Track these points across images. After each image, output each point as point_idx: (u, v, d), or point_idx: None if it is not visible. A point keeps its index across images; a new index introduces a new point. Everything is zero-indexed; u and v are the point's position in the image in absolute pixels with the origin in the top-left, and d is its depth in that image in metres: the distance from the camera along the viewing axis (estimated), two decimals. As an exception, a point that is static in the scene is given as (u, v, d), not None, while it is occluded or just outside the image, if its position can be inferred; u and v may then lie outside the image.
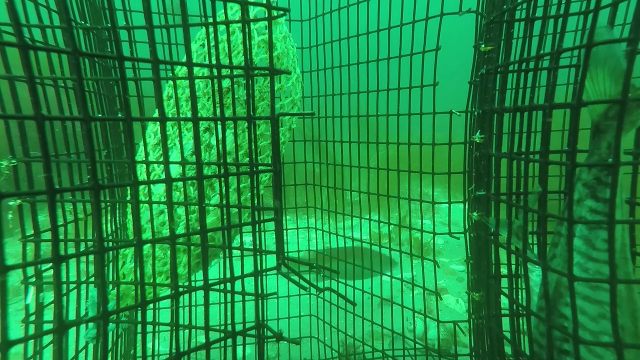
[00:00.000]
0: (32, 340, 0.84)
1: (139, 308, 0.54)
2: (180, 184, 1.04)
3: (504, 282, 0.73)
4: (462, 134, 1.16)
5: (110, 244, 1.07)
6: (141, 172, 1.09)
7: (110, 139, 1.11)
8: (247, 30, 0.64)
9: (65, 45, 0.55)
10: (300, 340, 1.66)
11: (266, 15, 0.64)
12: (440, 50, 1.15)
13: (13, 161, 0.76)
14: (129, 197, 1.11)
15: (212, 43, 0.69)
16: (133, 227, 0.68)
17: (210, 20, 0.70)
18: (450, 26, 1.36)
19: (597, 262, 0.62)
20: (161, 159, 1.03)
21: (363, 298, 1.54)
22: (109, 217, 1.10)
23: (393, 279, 1.45)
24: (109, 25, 0.94)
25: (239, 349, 1.55)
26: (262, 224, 0.75)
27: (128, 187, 1.05)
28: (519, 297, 0.73)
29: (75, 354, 0.87)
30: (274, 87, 0.69)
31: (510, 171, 0.68)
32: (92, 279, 0.96)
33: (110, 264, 1.08)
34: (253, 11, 1.08)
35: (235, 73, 0.87)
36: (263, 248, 0.92)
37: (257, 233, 0.74)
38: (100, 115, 1.06)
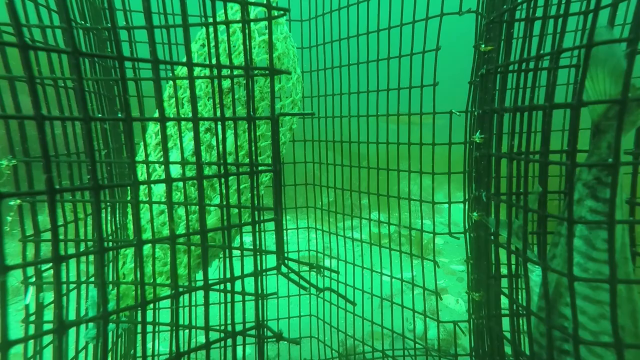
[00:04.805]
0: (32, 340, 0.84)
1: (139, 308, 0.54)
2: (181, 184, 1.04)
3: (504, 282, 0.73)
4: (462, 134, 1.16)
5: (110, 244, 1.07)
6: (142, 172, 1.09)
7: (110, 139, 1.11)
8: (247, 30, 0.64)
9: (65, 45, 0.55)
10: (300, 340, 1.66)
11: (266, 16, 0.64)
12: (440, 50, 1.15)
13: (13, 161, 0.76)
14: (129, 197, 1.11)
15: (213, 43, 0.69)
16: (133, 227, 0.68)
17: (210, 20, 0.70)
18: (450, 26, 1.36)
19: (597, 262, 0.62)
20: (162, 160, 1.03)
21: (363, 298, 1.54)
22: (109, 217, 1.10)
23: (393, 279, 1.45)
24: (109, 25, 0.94)
25: (239, 349, 1.55)
26: (262, 224, 0.75)
27: (128, 187, 1.05)
28: (519, 297, 0.73)
29: (75, 354, 0.87)
30: (274, 88, 0.69)
31: (510, 171, 0.68)
32: (92, 279, 0.96)
33: (110, 264, 1.08)
34: (254, 11, 1.08)
35: (235, 73, 0.87)
36: (263, 248, 0.92)
37: (257, 233, 0.74)
38: (100, 115, 1.06)
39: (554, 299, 0.65)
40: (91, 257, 1.00)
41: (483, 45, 0.81)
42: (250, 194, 0.80)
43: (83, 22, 1.00)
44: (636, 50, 0.51)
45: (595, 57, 0.58)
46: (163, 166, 1.02)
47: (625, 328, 0.60)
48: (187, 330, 1.52)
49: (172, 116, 0.79)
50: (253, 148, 0.69)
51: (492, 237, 0.74)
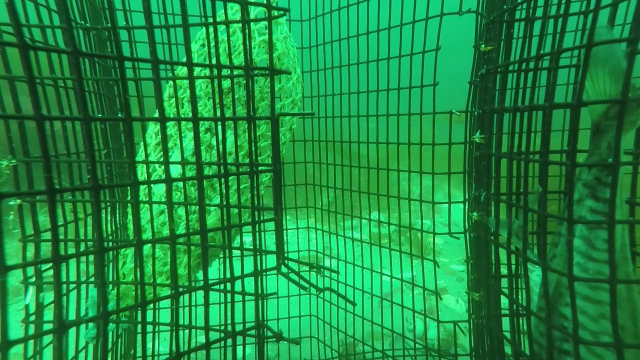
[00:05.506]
0: (32, 340, 0.84)
1: (139, 308, 0.54)
2: (181, 184, 1.04)
3: (504, 282, 0.73)
4: (462, 134, 1.16)
5: (110, 244, 1.07)
6: (142, 172, 1.09)
7: (110, 139, 1.11)
8: (247, 30, 0.64)
9: (65, 45, 0.55)
10: (300, 340, 1.66)
11: (266, 16, 0.64)
12: (440, 50, 1.15)
13: (13, 161, 0.76)
14: (129, 197, 1.11)
15: (213, 43, 0.69)
16: (133, 227, 0.68)
17: (210, 20, 0.70)
18: (450, 26, 1.36)
19: (597, 262, 0.62)
20: (162, 160, 1.03)
21: (363, 298, 1.54)
22: (109, 217, 1.10)
23: (393, 279, 1.45)
24: (109, 25, 0.94)
25: (239, 349, 1.55)
26: (262, 224, 0.75)
27: (128, 187, 1.05)
28: (519, 297, 0.73)
29: (75, 354, 0.87)
30: (275, 87, 0.69)
31: (510, 171, 0.68)
32: (92, 279, 0.96)
33: (110, 264, 1.08)
34: (254, 11, 1.08)
35: (235, 73, 0.87)
36: (263, 248, 0.92)
37: (257, 233, 0.74)
38: (100, 115, 1.06)
39: (554, 299, 0.65)
40: (91, 257, 1.00)
41: (483, 45, 0.81)
42: (250, 194, 0.80)
43: (83, 22, 1.00)
44: (636, 50, 0.51)
45: (595, 57, 0.58)
46: (163, 166, 1.03)
47: (625, 328, 0.60)
48: (187, 330, 1.52)
49: (172, 116, 0.79)
50: (253, 148, 0.69)
51: (492, 237, 0.74)
